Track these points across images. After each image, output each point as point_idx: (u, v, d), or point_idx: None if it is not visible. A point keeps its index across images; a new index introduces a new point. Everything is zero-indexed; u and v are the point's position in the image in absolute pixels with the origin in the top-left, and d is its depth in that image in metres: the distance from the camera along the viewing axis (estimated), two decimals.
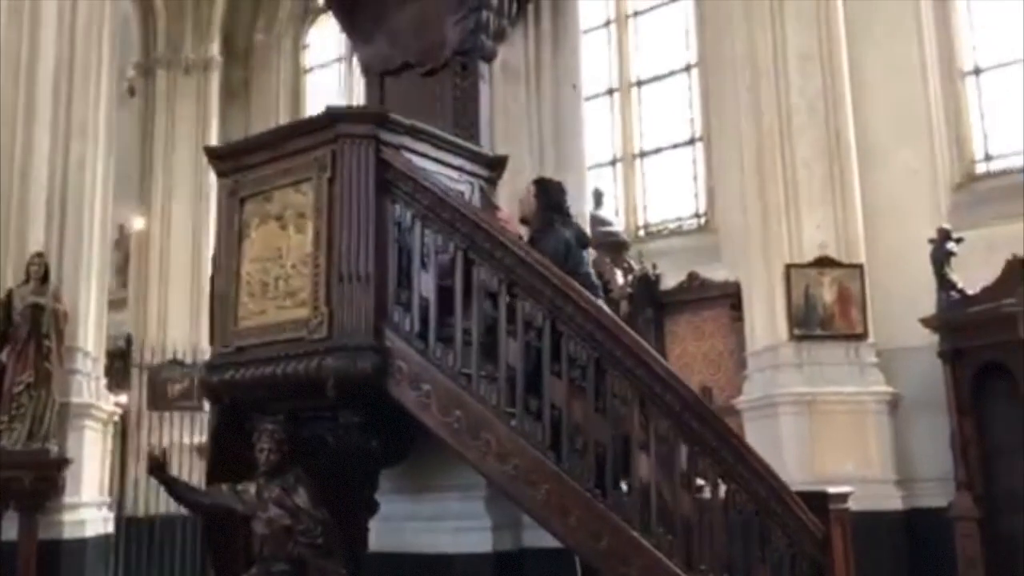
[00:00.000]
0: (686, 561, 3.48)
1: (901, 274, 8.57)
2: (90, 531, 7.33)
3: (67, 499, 7.05)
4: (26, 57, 7.66)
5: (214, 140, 14.15)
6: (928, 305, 8.26)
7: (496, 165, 4.45)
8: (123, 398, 8.03)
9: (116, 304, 9.92)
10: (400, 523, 4.22)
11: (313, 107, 14.68)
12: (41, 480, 6.80)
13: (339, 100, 14.50)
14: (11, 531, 6.74)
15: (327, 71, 14.84)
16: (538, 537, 4.20)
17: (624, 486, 3.63)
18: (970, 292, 8.01)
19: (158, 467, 3.88)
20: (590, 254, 4.50)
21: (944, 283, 8.12)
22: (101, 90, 8.07)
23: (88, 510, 7.37)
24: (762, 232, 8.80)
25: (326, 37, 15.00)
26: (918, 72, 9.22)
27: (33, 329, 6.84)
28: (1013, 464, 7.59)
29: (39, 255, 7.12)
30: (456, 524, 4.24)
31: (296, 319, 3.84)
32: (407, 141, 3.95)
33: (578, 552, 3.58)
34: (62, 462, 6.92)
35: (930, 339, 8.20)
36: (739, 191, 9.22)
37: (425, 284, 3.78)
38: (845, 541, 3.87)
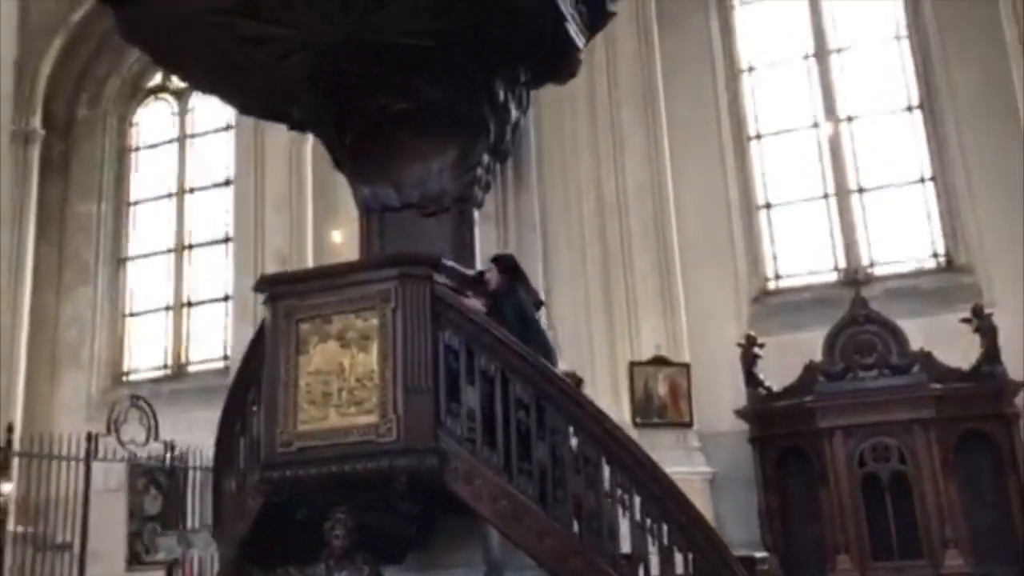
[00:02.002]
0: None
1: (716, 371, 10.35)
2: None
3: None
4: None
5: (32, 211, 13.87)
6: (738, 397, 10.08)
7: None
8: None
9: None
10: None
11: (141, 185, 14.75)
12: None
13: (168, 179, 14.69)
14: None
15: (156, 151, 14.92)
16: None
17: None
18: (773, 388, 9.89)
19: (237, 561, 4.47)
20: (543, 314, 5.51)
21: (752, 380, 9.98)
22: None
23: None
24: (607, 332, 10.25)
25: (155, 118, 15.13)
26: (723, 204, 11.22)
27: None
28: (806, 528, 9.42)
29: None
30: None
31: (364, 424, 4.61)
32: (442, 277, 4.90)
33: None
34: None
35: (742, 426, 9.98)
36: (581, 297, 10.64)
37: (471, 396, 4.70)
38: None
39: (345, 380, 4.72)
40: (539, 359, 4.81)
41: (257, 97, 5.81)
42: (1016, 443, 8.82)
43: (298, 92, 5.60)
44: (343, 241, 10.68)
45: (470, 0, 4.94)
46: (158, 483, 11.87)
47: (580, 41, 5.46)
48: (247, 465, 5.16)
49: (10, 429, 7.94)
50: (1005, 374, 9.00)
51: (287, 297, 4.91)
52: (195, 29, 5.06)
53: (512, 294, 5.30)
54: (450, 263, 5.05)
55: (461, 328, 4.76)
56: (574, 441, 4.76)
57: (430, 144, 5.67)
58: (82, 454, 9.14)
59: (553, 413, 4.77)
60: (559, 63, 5.69)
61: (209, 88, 5.86)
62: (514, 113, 5.78)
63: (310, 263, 12.11)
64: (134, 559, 11.95)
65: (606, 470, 4.73)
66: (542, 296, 5.97)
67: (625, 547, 4.71)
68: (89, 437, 9.23)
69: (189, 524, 10.55)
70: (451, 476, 4.57)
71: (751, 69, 11.76)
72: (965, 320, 9.30)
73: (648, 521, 4.73)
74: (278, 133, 11.34)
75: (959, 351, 9.28)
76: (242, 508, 5.08)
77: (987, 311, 9.30)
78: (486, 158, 5.69)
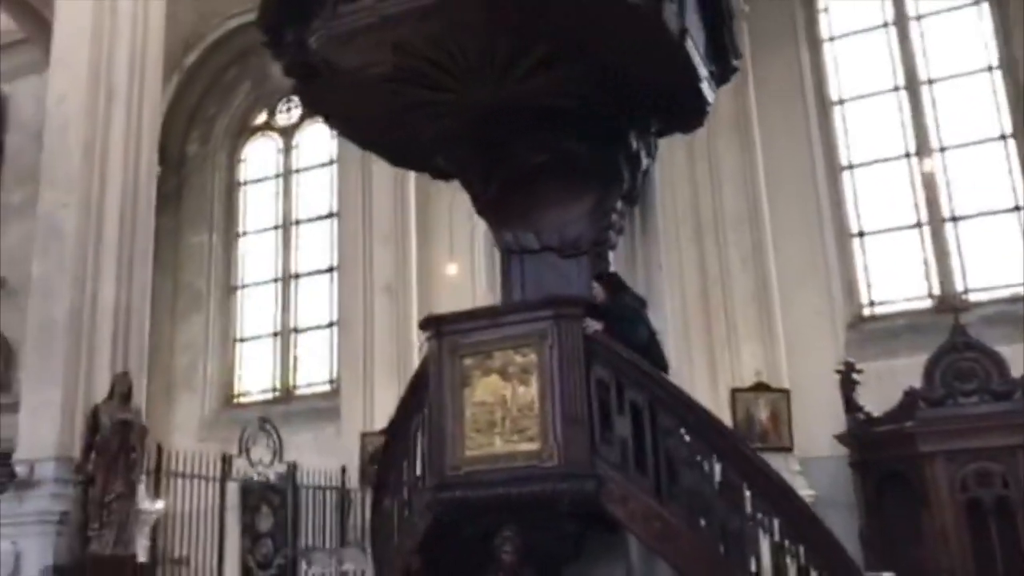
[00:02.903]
0: None
1: (814, 396, 10.64)
2: None
3: None
4: (96, 189, 8.43)
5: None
6: (836, 423, 10.35)
7: None
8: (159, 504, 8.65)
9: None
10: None
11: (248, 217, 15.58)
12: None
13: (272, 211, 15.48)
14: None
15: (262, 185, 15.74)
16: None
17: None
18: (873, 413, 10.14)
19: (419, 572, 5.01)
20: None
21: (851, 406, 10.25)
22: None
23: None
24: (707, 359, 10.61)
25: (261, 153, 15.97)
26: (817, 232, 11.53)
27: (123, 444, 7.51)
28: (907, 552, 9.61)
29: (125, 374, 7.82)
30: None
31: (527, 451, 5.11)
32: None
33: None
34: (147, 566, 7.56)
35: (841, 451, 10.25)
36: (681, 325, 11.02)
37: (622, 426, 5.17)
38: None
39: (507, 410, 5.22)
40: (683, 392, 5.26)
41: (411, 151, 6.39)
42: None
43: (449, 146, 6.15)
44: (457, 274, 11.27)
45: (613, 68, 5.43)
46: (269, 501, 12.51)
47: (711, 97, 5.92)
48: (412, 487, 5.68)
49: (160, 450, 8.57)
50: None
51: (451, 335, 5.44)
52: (367, 97, 5.64)
53: (618, 307, 5.70)
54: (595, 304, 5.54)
55: (610, 363, 5.24)
56: (718, 467, 5.19)
57: (568, 192, 6.17)
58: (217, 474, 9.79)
59: (696, 440, 5.21)
60: (690, 116, 6.16)
61: (370, 145, 6.46)
62: (644, 161, 6.26)
63: (415, 293, 12.78)
64: (246, 573, 12.64)
65: (747, 494, 5.15)
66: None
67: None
68: (224, 458, 9.90)
69: (304, 541, 11.23)
70: (608, 499, 5.03)
71: (841, 101, 12.07)
72: None
73: (787, 542, 5.12)
74: (383, 169, 12.02)
75: None
76: (410, 527, 5.60)
77: None
78: (620, 204, 6.17)
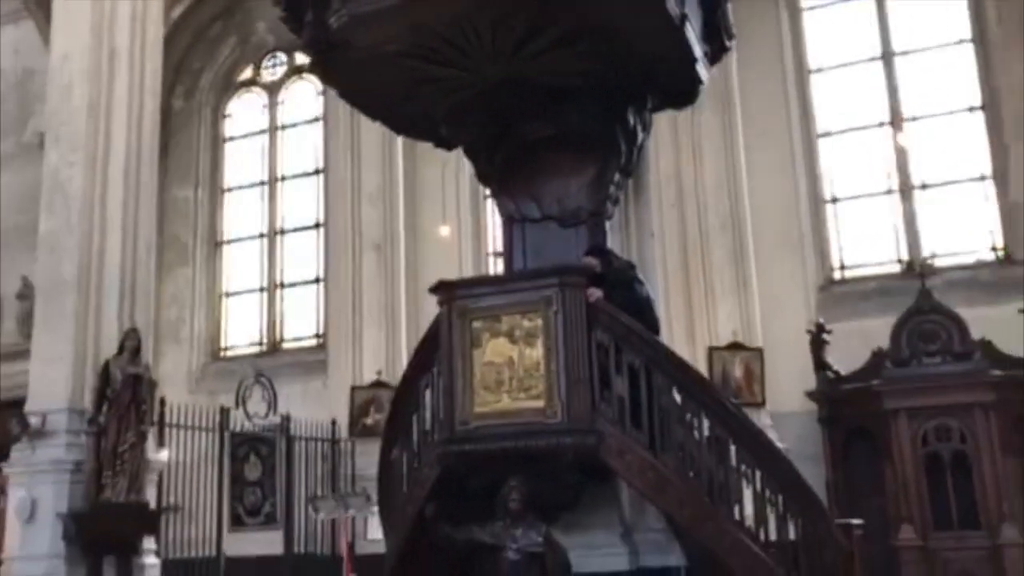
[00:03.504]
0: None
1: (786, 355, 11.18)
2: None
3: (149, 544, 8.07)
4: (101, 148, 8.64)
5: None
6: (807, 380, 10.92)
7: None
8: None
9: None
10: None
11: (234, 173, 15.75)
12: (140, 528, 7.79)
13: (258, 167, 15.67)
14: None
15: (247, 141, 15.89)
16: (655, 559, 6.14)
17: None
18: (841, 372, 10.72)
19: (435, 517, 5.44)
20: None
21: (821, 365, 10.82)
22: None
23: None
24: (686, 319, 11.09)
25: (246, 109, 16.08)
26: (792, 198, 12.00)
27: (133, 396, 7.85)
28: (870, 501, 10.25)
29: (134, 330, 8.13)
30: (604, 551, 6.02)
31: (533, 408, 5.53)
32: None
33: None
34: (160, 511, 7.95)
35: (811, 407, 10.83)
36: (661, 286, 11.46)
37: (620, 385, 5.60)
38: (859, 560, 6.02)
39: (515, 370, 5.63)
40: (675, 354, 5.71)
41: (419, 122, 6.70)
42: None
43: (457, 119, 6.48)
44: (451, 234, 11.62)
45: (616, 49, 5.77)
46: (257, 451, 12.90)
47: (705, 76, 6.29)
48: (422, 440, 6.10)
49: (163, 403, 8.91)
50: None
51: (461, 299, 5.82)
52: (380, 71, 5.94)
53: (617, 273, 6.12)
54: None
55: (610, 328, 5.65)
56: (706, 423, 5.65)
57: (569, 164, 6.53)
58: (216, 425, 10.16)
59: (687, 399, 5.66)
60: (684, 94, 6.53)
61: (380, 116, 6.76)
62: (640, 135, 6.62)
63: (402, 251, 13.11)
64: (235, 520, 13.07)
65: (733, 449, 5.63)
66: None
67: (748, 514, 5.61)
68: (222, 410, 10.27)
69: (297, 491, 11.70)
70: (606, 452, 5.48)
71: (819, 70, 12.47)
72: (1022, 311, 10.05)
73: (767, 492, 5.61)
74: (371, 129, 12.26)
75: (1016, 339, 10.04)
76: (419, 476, 6.03)
77: None
78: (617, 176, 6.54)
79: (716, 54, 6.49)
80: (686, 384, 5.68)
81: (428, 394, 6.10)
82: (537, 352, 5.61)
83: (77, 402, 8.13)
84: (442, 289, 5.91)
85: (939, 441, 9.84)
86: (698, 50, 5.96)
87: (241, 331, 15.29)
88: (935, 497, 9.78)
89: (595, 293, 5.61)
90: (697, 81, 6.32)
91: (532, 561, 5.39)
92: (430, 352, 6.07)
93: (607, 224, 6.60)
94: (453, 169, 13.01)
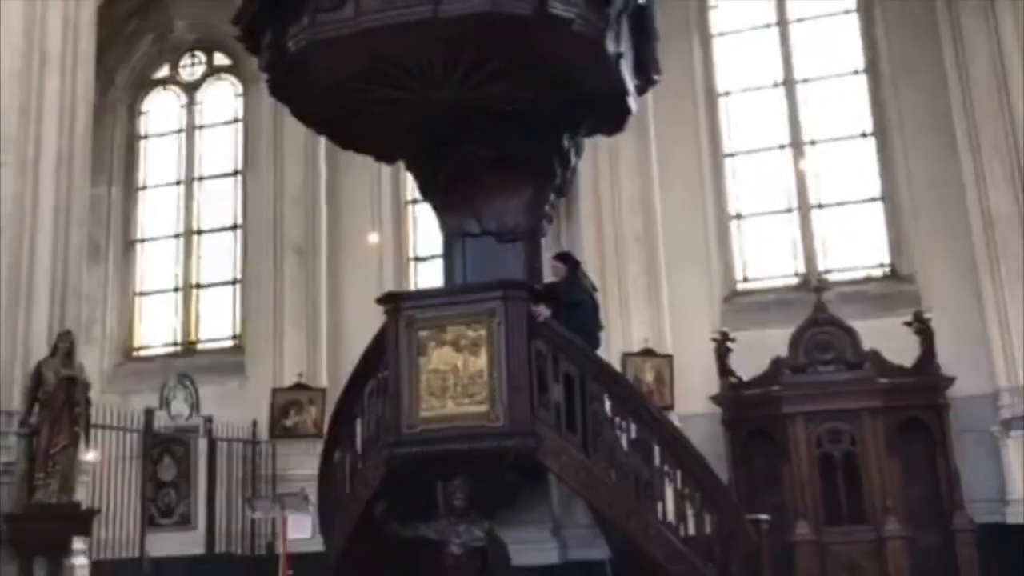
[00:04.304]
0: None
1: (693, 361, 11.86)
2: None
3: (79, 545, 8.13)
4: (32, 152, 8.64)
5: None
6: (711, 385, 11.63)
7: None
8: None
9: None
10: None
11: (148, 172, 15.64)
12: (71, 529, 7.86)
13: (177, 164, 15.61)
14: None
15: (163, 139, 15.78)
16: (582, 552, 6.64)
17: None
18: (744, 378, 11.46)
19: (385, 515, 5.79)
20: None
21: (724, 371, 11.54)
22: None
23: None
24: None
25: (162, 107, 15.97)
26: (700, 214, 12.71)
27: (67, 398, 7.91)
28: (769, 498, 10.98)
29: (68, 332, 8.18)
30: (536, 545, 6.49)
31: (476, 413, 5.94)
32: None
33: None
34: (91, 512, 8.02)
35: (715, 410, 11.54)
36: None
37: (556, 392, 6.07)
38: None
39: (459, 377, 6.04)
40: (609, 365, 6.21)
41: (365, 139, 7.04)
42: (946, 429, 10.56)
43: (403, 138, 6.85)
44: (379, 242, 11.90)
45: (557, 81, 6.24)
46: (172, 452, 12.92)
47: (634, 107, 6.82)
48: (367, 442, 6.44)
49: (88, 402, 8.95)
50: (939, 371, 10.73)
51: (408, 310, 6.20)
52: (332, 92, 6.27)
53: (576, 281, 6.69)
54: (539, 288, 6.43)
55: (549, 339, 6.12)
56: (633, 427, 6.17)
57: (509, 184, 6.98)
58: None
59: (618, 405, 6.17)
60: (614, 122, 7.05)
61: (330, 133, 7.06)
62: (574, 159, 7.13)
63: (324, 256, 13.32)
64: (150, 521, 13.05)
65: (656, 451, 6.16)
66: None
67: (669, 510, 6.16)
68: (147, 411, 10.33)
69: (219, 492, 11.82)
70: (544, 454, 5.95)
71: (727, 93, 13.24)
72: (907, 323, 10.97)
73: (687, 490, 6.17)
74: (295, 133, 12.47)
75: (902, 350, 10.95)
76: (364, 477, 6.37)
77: (926, 316, 11.00)
78: (552, 196, 7.02)
79: (644, 87, 7.02)
80: (617, 392, 6.19)
81: (373, 399, 6.44)
82: (481, 360, 6.03)
83: (6, 404, 8.12)
84: (389, 299, 6.28)
85: (831, 443, 10.64)
86: (630, 84, 6.48)
87: (155, 331, 15.18)
88: (827, 495, 10.58)
89: (543, 312, 6.06)
90: (627, 111, 6.84)
91: (474, 555, 5.80)
92: (375, 359, 6.42)
93: (541, 240, 7.06)
94: (375, 175, 13.28)
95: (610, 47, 5.93)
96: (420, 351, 6.12)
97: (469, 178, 6.94)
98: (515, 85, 6.25)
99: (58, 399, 7.90)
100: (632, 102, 6.74)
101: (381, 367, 6.32)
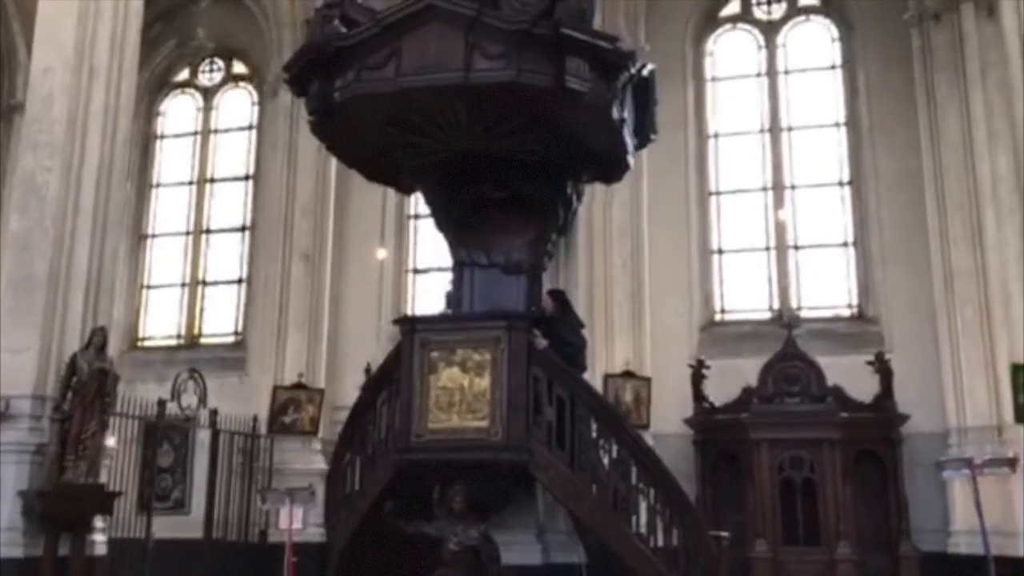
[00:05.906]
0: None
1: (670, 385, 12.72)
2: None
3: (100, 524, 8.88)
4: (76, 158, 9.38)
5: None
6: (685, 408, 12.49)
7: None
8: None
9: None
10: None
11: (162, 171, 16.37)
12: (94, 508, 8.61)
13: (191, 165, 16.34)
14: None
15: (179, 140, 16.52)
16: (561, 556, 7.46)
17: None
18: (716, 403, 12.33)
19: (393, 513, 6.58)
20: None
21: (698, 395, 12.42)
22: None
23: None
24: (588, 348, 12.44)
25: (180, 109, 16.71)
26: (684, 247, 13.57)
27: (99, 389, 8.66)
28: (733, 517, 11.84)
29: (102, 328, 8.93)
30: (522, 547, 7.30)
31: (478, 427, 6.73)
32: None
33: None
34: (114, 494, 8.77)
35: (687, 431, 12.40)
36: None
37: (549, 413, 6.88)
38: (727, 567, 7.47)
39: (464, 395, 6.84)
40: (596, 391, 7.03)
41: (389, 174, 7.85)
42: (898, 462, 11.48)
43: (423, 176, 7.65)
44: (374, 256, 12.70)
45: (566, 138, 7.07)
46: (171, 440, 13.63)
47: (632, 162, 7.66)
48: (377, 446, 7.23)
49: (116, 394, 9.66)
50: (895, 408, 11.66)
51: (422, 332, 6.99)
52: (367, 135, 7.06)
53: (564, 319, 7.51)
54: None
55: (545, 366, 6.94)
56: (615, 447, 7.00)
57: (516, 223, 7.74)
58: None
59: (602, 428, 7.00)
60: (614, 173, 7.89)
61: (355, 165, 7.84)
62: (575, 203, 7.94)
63: (329, 264, 14.09)
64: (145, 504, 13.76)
65: (634, 469, 6.99)
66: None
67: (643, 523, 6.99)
68: (160, 402, 11.07)
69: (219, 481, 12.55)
70: (535, 466, 6.75)
71: (716, 135, 14.13)
72: (870, 362, 11.89)
73: (658, 506, 7.00)
74: (309, 145, 13.24)
75: (863, 386, 11.86)
76: (373, 478, 7.16)
77: (887, 356, 11.94)
78: (554, 235, 7.85)
79: (642, 143, 7.84)
80: (601, 415, 7.02)
81: (384, 408, 7.24)
82: (485, 381, 6.83)
83: (40, 389, 8.85)
84: (406, 322, 7.08)
85: (792, 469, 11.54)
86: (630, 145, 7.31)
87: (159, 323, 15.90)
88: (786, 516, 11.47)
89: (541, 343, 6.87)
90: (626, 165, 7.67)
91: (468, 552, 6.61)
92: (390, 373, 7.21)
93: (543, 275, 7.88)
94: (381, 191, 14.06)
95: (615, 114, 6.75)
96: (431, 370, 6.91)
97: (480, 215, 7.70)
98: (529, 139, 7.04)
99: (91, 389, 8.63)
100: (631, 159, 7.57)
101: (395, 380, 7.10)
